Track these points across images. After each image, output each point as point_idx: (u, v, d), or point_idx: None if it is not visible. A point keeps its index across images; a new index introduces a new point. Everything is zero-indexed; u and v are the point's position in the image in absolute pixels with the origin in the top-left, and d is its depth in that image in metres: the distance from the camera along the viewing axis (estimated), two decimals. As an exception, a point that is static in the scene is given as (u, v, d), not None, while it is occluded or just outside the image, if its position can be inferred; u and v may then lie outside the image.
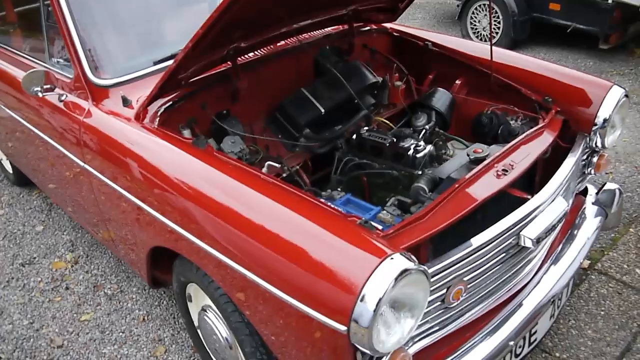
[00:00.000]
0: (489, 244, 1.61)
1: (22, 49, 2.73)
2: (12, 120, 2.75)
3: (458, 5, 5.88)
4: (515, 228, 1.69)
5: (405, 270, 1.28)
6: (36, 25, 2.53)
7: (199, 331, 2.13)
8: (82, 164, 2.14)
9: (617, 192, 2.33)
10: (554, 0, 5.18)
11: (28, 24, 2.82)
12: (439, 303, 1.59)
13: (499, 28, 5.52)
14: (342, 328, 1.28)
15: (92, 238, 3.11)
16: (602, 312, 2.43)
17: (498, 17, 5.52)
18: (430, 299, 1.53)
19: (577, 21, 5.07)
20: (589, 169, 2.29)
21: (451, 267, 1.54)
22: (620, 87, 2.18)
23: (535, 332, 1.93)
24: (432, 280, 1.46)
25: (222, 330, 1.88)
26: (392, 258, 1.29)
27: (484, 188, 1.71)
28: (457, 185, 1.67)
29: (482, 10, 5.62)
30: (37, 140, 2.53)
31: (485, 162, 1.79)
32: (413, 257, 1.34)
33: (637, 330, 2.33)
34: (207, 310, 1.93)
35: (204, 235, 1.61)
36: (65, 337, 2.47)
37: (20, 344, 2.45)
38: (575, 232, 2.17)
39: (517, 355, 1.89)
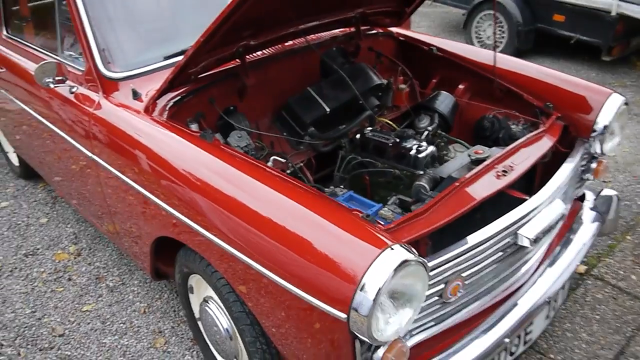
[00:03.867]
0: (486, 242, 1.65)
1: (34, 42, 2.78)
2: (22, 112, 2.79)
3: (463, 14, 5.94)
4: (513, 227, 1.73)
5: (405, 262, 1.32)
6: (49, 19, 2.58)
7: (199, 323, 2.17)
8: (90, 155, 2.18)
9: (615, 198, 2.37)
10: (558, 11, 5.24)
11: (41, 18, 2.87)
12: (437, 298, 1.63)
13: (503, 37, 5.58)
14: (342, 315, 1.32)
15: (95, 231, 3.15)
16: (597, 316, 2.46)
17: (503, 27, 5.58)
18: (428, 293, 1.57)
19: (581, 33, 5.13)
20: (587, 175, 2.33)
21: (449, 262, 1.58)
22: (620, 95, 2.22)
23: (531, 331, 1.97)
24: (430, 274, 1.50)
25: (223, 321, 1.91)
26: (392, 249, 1.33)
27: (483, 188, 1.75)
28: (457, 184, 1.71)
29: (487, 19, 5.68)
30: (46, 132, 2.57)
31: (486, 163, 1.83)
32: (413, 249, 1.37)
33: (631, 335, 2.36)
34: (209, 301, 1.96)
35: (209, 225, 1.64)
36: (67, 326, 2.50)
37: (22, 332, 2.48)
38: (572, 237, 2.20)
39: (512, 354, 1.93)
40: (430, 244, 1.66)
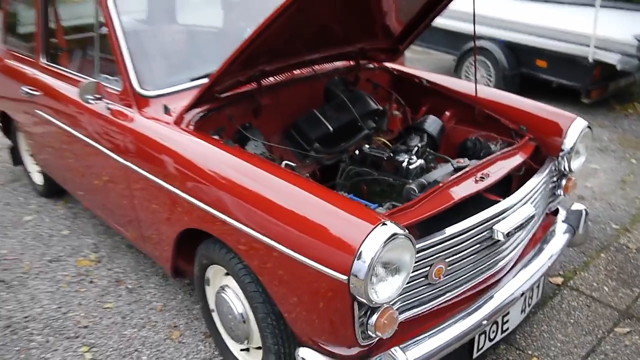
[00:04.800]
0: (464, 233, 1.95)
1: (70, 67, 3.13)
2: (55, 130, 3.11)
3: (454, 60, 6.40)
4: (488, 223, 2.02)
5: (394, 234, 1.62)
6: (84, 48, 2.96)
7: (213, 314, 2.43)
8: (123, 162, 2.49)
9: (584, 212, 2.68)
10: (540, 57, 5.70)
11: (77, 47, 3.26)
12: (423, 279, 1.91)
13: (491, 81, 6.01)
14: (344, 278, 1.60)
15: (113, 242, 3.42)
16: (572, 321, 2.73)
17: (490, 71, 6.03)
18: (415, 274, 1.86)
19: (561, 77, 5.57)
20: (559, 191, 2.65)
21: (433, 247, 1.87)
22: (584, 120, 2.57)
23: (508, 321, 2.24)
24: (417, 256, 1.79)
25: (238, 305, 2.17)
26: (385, 224, 1.63)
27: (463, 189, 2.06)
28: (441, 185, 2.03)
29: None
30: (79, 146, 2.88)
31: (466, 170, 2.15)
32: (402, 226, 1.67)
33: (602, 336, 2.62)
34: (225, 289, 2.23)
35: (232, 214, 1.94)
36: (90, 320, 2.75)
37: (49, 323, 2.73)
38: (544, 246, 2.50)
39: (491, 340, 2.20)
40: (419, 234, 1.96)
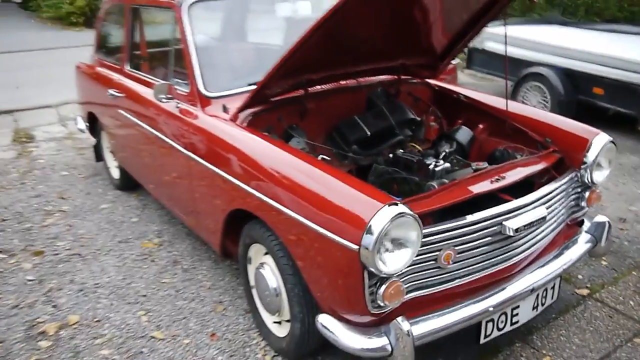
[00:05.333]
0: (473, 225, 2.16)
1: (149, 73, 3.63)
2: (134, 127, 3.59)
3: (511, 85, 6.52)
4: (497, 219, 2.22)
5: (400, 214, 1.88)
6: (161, 57, 3.44)
7: (253, 290, 2.74)
8: (187, 153, 2.88)
9: (607, 224, 2.80)
10: (598, 85, 5.73)
11: (155, 56, 3.76)
12: (432, 262, 2.14)
13: (547, 106, 6.09)
14: (355, 247, 1.88)
15: (175, 230, 3.85)
16: (592, 328, 2.82)
17: (546, 97, 6.11)
18: (424, 256, 2.10)
19: (618, 105, 5.57)
20: (583, 202, 2.78)
21: (441, 233, 2.10)
22: (606, 135, 2.71)
23: (517, 314, 2.41)
24: (427, 239, 2.03)
25: (272, 280, 2.48)
26: (394, 204, 1.89)
27: (478, 187, 2.29)
28: (457, 181, 2.27)
29: (533, 89, 6.24)
30: (152, 140, 3.33)
31: (483, 171, 2.38)
32: (409, 206, 1.93)
33: (619, 344, 2.71)
34: (263, 266, 2.54)
35: (271, 195, 2.26)
36: (149, 290, 3.15)
37: (114, 290, 3.16)
38: (565, 251, 2.66)
39: (499, 329, 2.37)
40: (433, 222, 2.19)
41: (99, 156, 4.86)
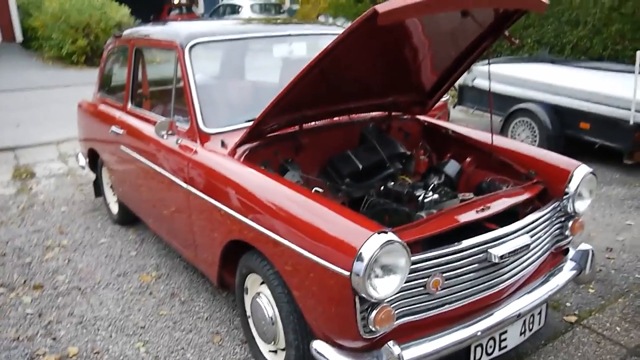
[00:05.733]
0: (459, 252, 2.27)
1: (152, 111, 3.78)
2: (135, 162, 3.71)
3: (500, 121, 6.72)
4: (482, 246, 2.33)
5: (389, 241, 1.99)
6: (163, 96, 3.58)
7: (249, 320, 2.82)
8: (186, 186, 3.00)
9: (590, 252, 2.91)
10: (584, 120, 5.91)
11: (157, 95, 3.91)
12: (421, 288, 2.23)
13: (536, 141, 6.26)
14: (347, 273, 1.98)
15: (173, 263, 3.92)
16: (579, 354, 2.90)
17: (535, 132, 6.29)
18: (413, 283, 2.20)
19: (604, 139, 5.74)
20: (567, 231, 2.90)
21: (429, 260, 2.21)
22: (588, 167, 2.85)
23: (505, 339, 2.49)
24: (416, 266, 2.14)
25: (268, 309, 2.56)
26: (383, 232, 2.00)
27: (465, 216, 2.41)
28: (444, 211, 2.38)
29: (521, 125, 6.43)
30: (152, 174, 3.45)
31: (469, 201, 2.49)
32: (397, 235, 2.04)
33: (606, 370, 2.78)
34: (259, 295, 2.62)
35: (267, 226, 2.37)
36: (147, 322, 3.21)
37: (113, 322, 3.22)
38: (550, 278, 2.75)
39: (488, 354, 2.45)
40: (422, 250, 2.30)
41: (98, 192, 4.97)
